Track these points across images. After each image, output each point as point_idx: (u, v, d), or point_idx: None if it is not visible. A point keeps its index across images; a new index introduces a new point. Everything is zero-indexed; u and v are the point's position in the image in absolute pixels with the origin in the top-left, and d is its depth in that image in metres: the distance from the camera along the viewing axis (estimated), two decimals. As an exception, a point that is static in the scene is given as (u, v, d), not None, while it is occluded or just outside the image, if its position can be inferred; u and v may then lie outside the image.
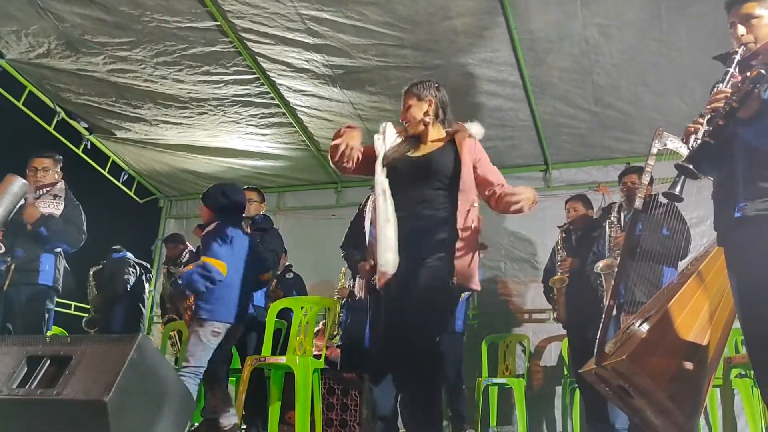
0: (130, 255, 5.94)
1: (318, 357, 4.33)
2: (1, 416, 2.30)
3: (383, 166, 2.87)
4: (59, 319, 6.01)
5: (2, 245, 3.86)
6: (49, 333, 4.09)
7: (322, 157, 6.68)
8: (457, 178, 2.83)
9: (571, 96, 5.44)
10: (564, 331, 4.99)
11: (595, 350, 2.69)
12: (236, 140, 6.50)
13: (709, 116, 2.19)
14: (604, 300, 3.72)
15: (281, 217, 7.08)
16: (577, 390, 5.03)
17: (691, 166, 2.15)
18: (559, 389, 5.71)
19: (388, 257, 2.70)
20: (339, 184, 7.15)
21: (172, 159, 7.00)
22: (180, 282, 3.76)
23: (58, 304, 4.85)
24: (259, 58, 5.37)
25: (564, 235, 4.81)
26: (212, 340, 3.70)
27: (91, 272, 5.77)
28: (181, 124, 6.29)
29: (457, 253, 2.74)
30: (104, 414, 2.14)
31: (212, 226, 3.91)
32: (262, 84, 5.65)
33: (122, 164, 7.16)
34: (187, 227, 7.26)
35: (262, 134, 6.37)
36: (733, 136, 2.18)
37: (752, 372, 2.71)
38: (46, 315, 4.03)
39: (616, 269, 3.06)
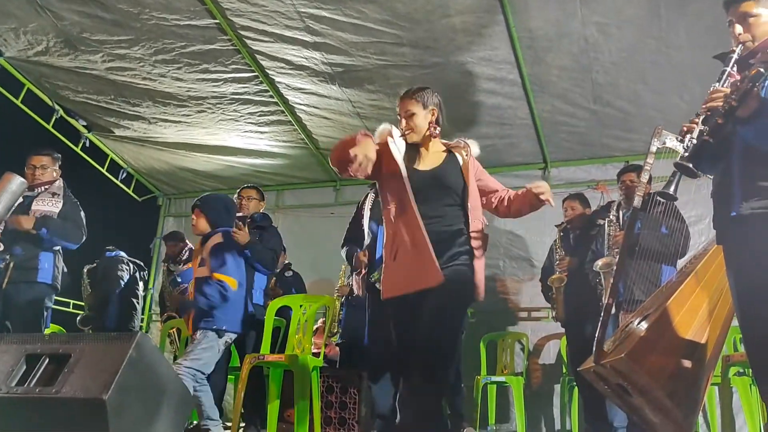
0: (123, 254, 5.94)
1: (317, 355, 4.34)
2: (0, 414, 2.30)
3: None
4: (58, 317, 6.03)
5: (1, 243, 3.86)
6: (47, 331, 4.09)
7: (321, 155, 6.68)
8: (465, 193, 2.85)
9: (570, 94, 5.44)
10: (563, 330, 5.00)
11: (594, 348, 2.69)
12: (235, 138, 6.49)
13: (705, 116, 2.19)
14: (604, 298, 3.73)
15: (280, 215, 7.08)
16: (576, 388, 5.03)
17: (691, 165, 2.15)
18: (557, 387, 5.72)
19: None
20: (338, 183, 7.15)
21: (170, 157, 7.00)
22: (194, 301, 3.74)
23: (57, 302, 4.85)
24: (258, 56, 5.37)
25: (562, 234, 4.81)
26: (222, 349, 3.77)
27: (85, 270, 5.78)
28: (180, 122, 6.29)
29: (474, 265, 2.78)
30: (103, 412, 2.14)
31: (219, 238, 3.85)
32: (261, 82, 5.64)
33: (121, 162, 7.16)
34: (185, 225, 7.24)
35: (261, 132, 6.36)
36: (731, 135, 2.19)
37: (750, 370, 2.71)
38: (45, 313, 4.03)
39: (615, 268, 3.05)
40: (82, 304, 6.20)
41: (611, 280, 2.88)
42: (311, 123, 6.20)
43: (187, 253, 5.83)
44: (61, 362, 2.32)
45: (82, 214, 4.23)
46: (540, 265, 5.36)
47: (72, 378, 2.24)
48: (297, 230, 6.89)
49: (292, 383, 3.97)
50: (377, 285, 3.58)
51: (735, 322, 2.40)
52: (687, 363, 2.56)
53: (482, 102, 5.56)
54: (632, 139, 5.74)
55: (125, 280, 5.74)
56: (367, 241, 4.07)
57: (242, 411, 4.17)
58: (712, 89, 2.23)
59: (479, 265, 2.81)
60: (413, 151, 2.94)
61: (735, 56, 2.27)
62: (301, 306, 4.27)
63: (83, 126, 6.51)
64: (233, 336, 3.81)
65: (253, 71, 5.52)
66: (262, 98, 5.87)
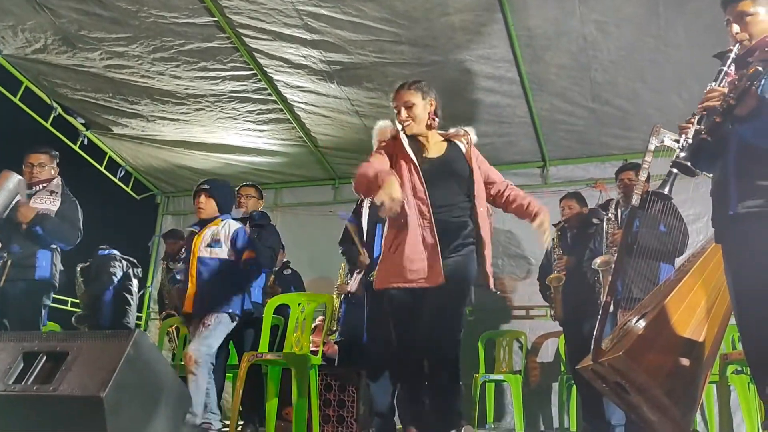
0: (116, 252, 5.94)
1: (315, 353, 4.34)
2: (-2, 412, 2.30)
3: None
4: (56, 315, 6.02)
5: (-1, 241, 3.86)
6: (44, 329, 4.08)
7: (320, 153, 6.68)
8: (471, 180, 2.88)
9: (569, 93, 5.44)
10: (561, 328, 5.00)
11: (592, 346, 2.69)
12: (233, 136, 6.49)
13: (700, 115, 2.20)
14: (602, 296, 3.73)
15: (279, 213, 7.08)
16: (574, 386, 5.04)
17: (689, 164, 2.15)
18: (555, 385, 5.72)
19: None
20: (336, 181, 7.14)
21: (169, 155, 6.99)
22: (209, 281, 3.78)
23: (55, 300, 4.84)
24: (256, 54, 5.36)
25: (559, 233, 4.81)
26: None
27: (78, 269, 5.77)
28: (178, 120, 6.29)
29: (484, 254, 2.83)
30: (101, 410, 2.14)
31: (236, 224, 3.98)
32: (260, 80, 5.64)
33: (119, 160, 7.15)
34: (184, 223, 7.25)
35: (260, 130, 6.36)
36: (729, 133, 2.19)
37: (748, 368, 2.72)
38: (43, 311, 4.02)
39: (613, 266, 3.06)
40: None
41: (609, 279, 2.88)
42: (310, 121, 6.19)
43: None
44: (59, 360, 2.32)
45: (80, 213, 4.21)
46: (538, 264, 5.36)
47: (69, 376, 2.25)
48: (295, 228, 6.88)
49: (291, 381, 3.97)
50: (374, 281, 3.58)
51: (733, 321, 2.41)
52: (685, 361, 2.57)
53: (481, 100, 5.56)
54: (631, 138, 5.74)
55: (118, 277, 5.73)
56: (365, 239, 4.07)
57: (240, 409, 4.18)
58: (708, 89, 2.23)
59: (488, 253, 2.84)
60: (416, 143, 2.95)
61: (732, 55, 2.27)
62: (299, 304, 4.26)
63: (81, 124, 6.50)
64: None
65: (251, 69, 5.52)
66: (261, 96, 5.86)
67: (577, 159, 6.31)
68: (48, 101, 6.12)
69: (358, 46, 5.12)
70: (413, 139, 2.95)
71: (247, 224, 4.38)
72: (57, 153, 4.33)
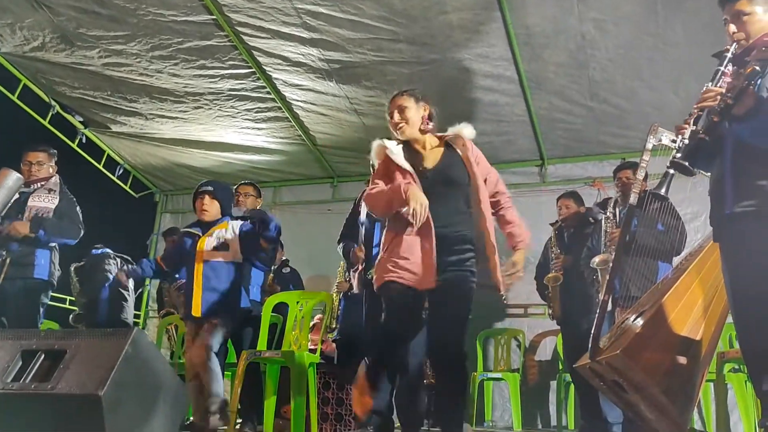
0: (109, 250, 5.93)
1: (313, 351, 4.34)
2: (-4, 410, 2.31)
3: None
4: (54, 314, 6.02)
5: (-3, 240, 3.86)
6: (41, 327, 4.08)
7: (318, 151, 6.68)
8: (470, 186, 2.86)
9: (567, 91, 5.44)
10: (559, 326, 5.00)
11: (590, 345, 2.70)
12: (232, 135, 6.48)
13: (697, 116, 2.20)
14: (600, 295, 3.73)
15: (277, 211, 7.06)
16: (572, 385, 5.04)
17: (686, 163, 2.16)
18: (553, 384, 5.73)
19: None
20: (335, 179, 7.15)
21: (167, 153, 6.99)
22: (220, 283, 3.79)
23: (53, 299, 4.84)
24: (255, 53, 5.36)
25: (557, 232, 4.81)
26: None
27: (72, 268, 5.77)
28: (177, 118, 6.28)
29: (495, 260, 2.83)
30: (99, 408, 2.15)
31: (245, 225, 3.96)
32: (258, 78, 5.63)
33: (117, 158, 7.14)
34: (182, 221, 7.24)
35: (258, 129, 6.36)
36: (726, 133, 2.20)
37: (745, 366, 2.72)
38: (41, 309, 4.03)
39: (611, 265, 3.06)
40: (77, 300, 6.20)
41: (607, 277, 2.89)
42: (308, 119, 6.19)
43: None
44: (57, 358, 2.33)
45: (79, 210, 4.21)
46: (536, 262, 5.37)
47: (68, 374, 2.25)
48: (294, 227, 6.87)
49: (289, 379, 3.98)
50: (374, 281, 3.59)
51: (730, 319, 2.41)
52: (682, 359, 2.57)
53: (479, 99, 5.56)
54: (628, 136, 5.74)
55: (113, 274, 5.73)
56: (362, 237, 4.07)
57: (239, 407, 4.18)
58: (704, 89, 2.23)
59: (497, 259, 2.83)
60: (412, 152, 2.93)
61: (729, 55, 2.27)
62: (297, 302, 4.27)
63: (80, 122, 6.49)
64: None
65: (250, 67, 5.51)
66: (259, 94, 5.86)
67: (576, 158, 6.32)
68: (46, 99, 6.11)
69: (356, 44, 5.12)
70: (408, 147, 2.93)
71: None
72: (55, 151, 4.33)
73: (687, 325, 2.66)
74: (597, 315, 2.74)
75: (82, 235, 4.21)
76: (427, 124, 2.93)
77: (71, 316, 5.75)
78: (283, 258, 5.63)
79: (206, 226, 3.90)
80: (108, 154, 7.01)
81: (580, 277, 4.36)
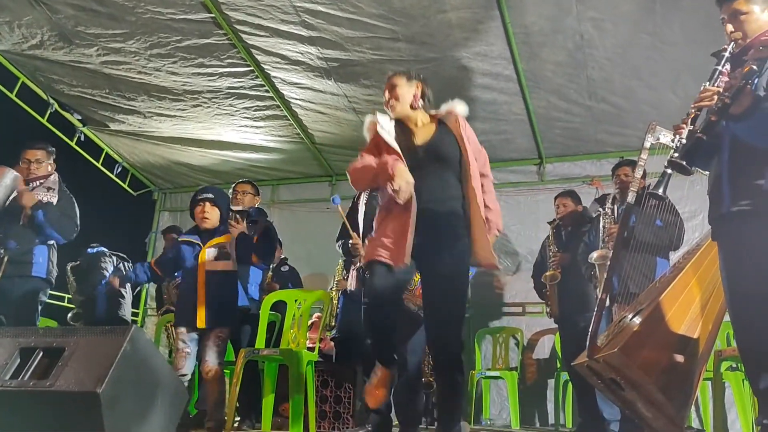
0: (104, 249, 5.94)
1: (312, 350, 4.34)
2: (-5, 408, 2.31)
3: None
4: (53, 311, 6.01)
5: (-5, 237, 3.85)
6: (39, 324, 4.08)
7: (317, 150, 6.68)
8: (462, 162, 2.85)
9: (565, 90, 5.45)
10: (557, 325, 5.01)
11: (588, 343, 2.70)
12: (230, 133, 6.48)
13: (695, 115, 2.21)
14: (598, 291, 3.74)
15: (275, 210, 7.08)
16: (570, 383, 5.05)
17: (684, 162, 2.16)
18: (551, 382, 5.74)
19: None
20: (333, 177, 7.15)
21: (166, 151, 6.98)
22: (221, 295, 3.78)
23: (51, 296, 4.83)
24: (253, 51, 5.36)
25: (554, 230, 4.82)
26: None
27: (69, 267, 5.76)
28: (175, 116, 6.28)
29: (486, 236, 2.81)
30: (97, 405, 2.14)
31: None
32: (257, 76, 5.63)
33: (116, 156, 7.14)
34: (181, 220, 7.26)
35: (257, 127, 6.36)
36: (723, 132, 2.20)
37: (743, 365, 2.73)
38: (39, 307, 4.02)
39: (609, 261, 3.06)
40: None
41: (605, 274, 2.89)
42: (307, 118, 6.19)
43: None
44: (56, 356, 2.32)
45: (77, 209, 4.20)
46: (529, 258, 5.38)
47: (66, 371, 2.25)
48: (293, 225, 6.90)
49: (287, 378, 3.98)
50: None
51: (727, 318, 2.42)
52: (680, 357, 2.58)
53: (478, 97, 5.57)
54: (626, 135, 5.76)
55: (109, 272, 5.73)
56: (361, 233, 4.07)
57: (237, 405, 4.18)
58: (702, 89, 2.24)
59: (488, 236, 2.82)
60: (404, 128, 2.95)
61: (727, 54, 2.28)
62: (296, 300, 4.27)
63: (78, 120, 6.48)
64: None
65: (248, 66, 5.51)
66: (258, 93, 5.86)
67: (574, 156, 6.33)
68: (45, 97, 6.10)
69: (355, 43, 5.12)
70: (400, 124, 2.95)
71: (245, 220, 4.37)
72: (54, 149, 4.32)
73: (684, 323, 2.66)
74: (595, 313, 2.75)
75: (76, 235, 4.19)
76: (418, 100, 2.94)
77: (69, 315, 5.75)
78: (282, 256, 5.63)
79: (205, 235, 3.85)
80: (106, 152, 7.01)
81: (577, 275, 4.37)
